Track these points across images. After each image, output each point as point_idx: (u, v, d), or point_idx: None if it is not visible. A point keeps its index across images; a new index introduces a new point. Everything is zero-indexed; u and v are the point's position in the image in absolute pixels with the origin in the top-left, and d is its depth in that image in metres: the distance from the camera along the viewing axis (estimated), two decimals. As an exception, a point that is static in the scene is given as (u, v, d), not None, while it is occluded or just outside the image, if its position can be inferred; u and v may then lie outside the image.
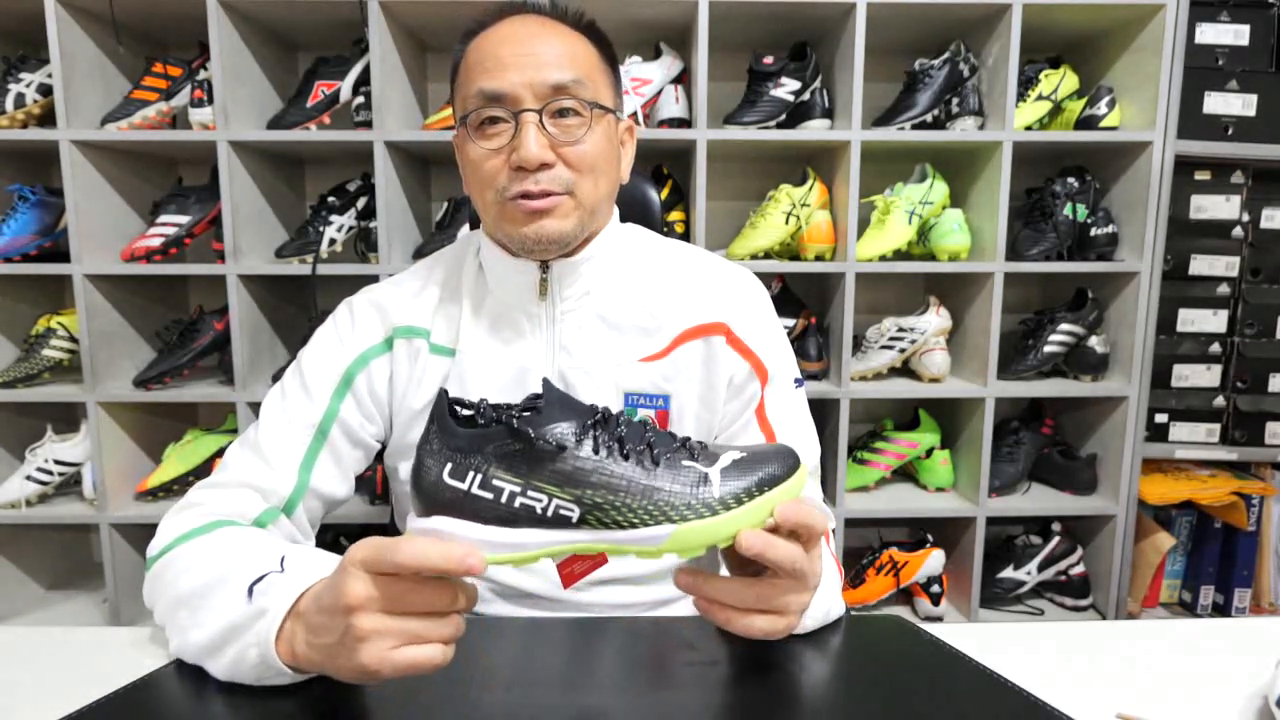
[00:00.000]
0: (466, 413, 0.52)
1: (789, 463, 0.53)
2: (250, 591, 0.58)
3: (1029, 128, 1.71)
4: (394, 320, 0.83)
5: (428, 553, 0.48)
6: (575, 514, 0.50)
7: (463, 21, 0.80)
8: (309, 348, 0.84)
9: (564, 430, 0.50)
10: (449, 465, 0.49)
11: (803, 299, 1.85)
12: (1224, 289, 1.75)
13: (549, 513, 0.50)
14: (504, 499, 0.49)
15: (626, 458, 0.51)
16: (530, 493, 0.49)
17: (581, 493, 0.50)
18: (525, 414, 0.51)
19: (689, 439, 0.55)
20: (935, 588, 1.78)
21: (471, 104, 0.75)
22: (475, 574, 0.49)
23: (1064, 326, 1.76)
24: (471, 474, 0.49)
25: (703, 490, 0.51)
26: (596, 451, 0.50)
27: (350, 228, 1.71)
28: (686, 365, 0.83)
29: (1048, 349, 1.77)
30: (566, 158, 0.75)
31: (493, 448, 0.49)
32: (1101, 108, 1.68)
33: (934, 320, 1.76)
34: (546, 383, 0.54)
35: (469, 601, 0.52)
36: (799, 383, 0.89)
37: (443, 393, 0.52)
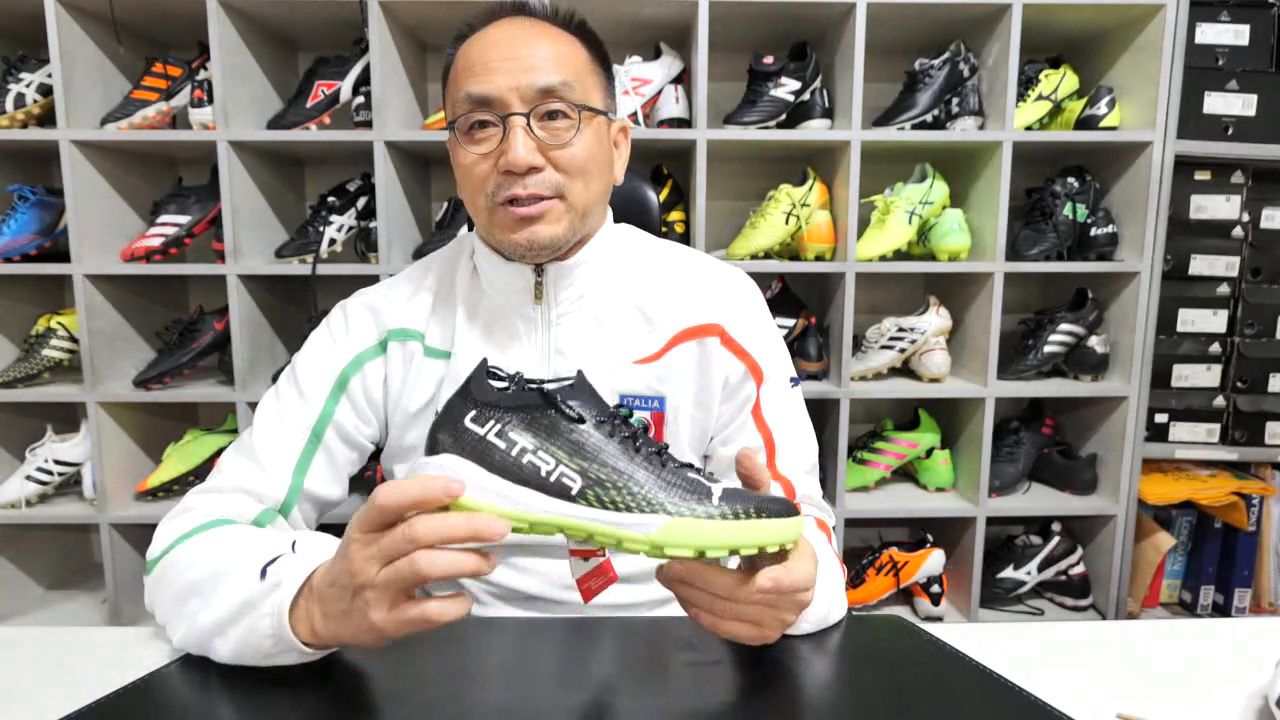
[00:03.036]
0: (500, 385, 0.55)
1: (789, 508, 0.55)
2: (264, 572, 0.59)
3: (1029, 128, 1.71)
4: (388, 323, 0.83)
5: (405, 489, 0.50)
6: (576, 485, 0.51)
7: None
8: (303, 352, 0.84)
9: (587, 409, 0.54)
10: (473, 412, 0.53)
11: (803, 299, 1.85)
12: (1224, 289, 1.75)
13: (552, 478, 0.52)
14: (514, 452, 0.52)
15: (638, 451, 0.54)
16: (541, 453, 0.52)
17: (588, 465, 0.52)
18: (555, 383, 0.55)
19: (702, 468, 0.57)
20: (935, 588, 1.78)
21: (460, 108, 0.74)
22: (454, 498, 0.50)
23: (1064, 326, 1.76)
24: (492, 423, 0.52)
25: (702, 497, 0.53)
26: (611, 436, 0.53)
27: (350, 228, 1.71)
28: (681, 367, 0.83)
29: (1048, 349, 1.77)
30: (556, 161, 0.74)
31: (519, 407, 0.53)
32: (1101, 108, 1.68)
33: (934, 320, 1.76)
34: (581, 374, 0.57)
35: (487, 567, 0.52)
36: (795, 382, 0.89)
37: (483, 361, 0.56)
